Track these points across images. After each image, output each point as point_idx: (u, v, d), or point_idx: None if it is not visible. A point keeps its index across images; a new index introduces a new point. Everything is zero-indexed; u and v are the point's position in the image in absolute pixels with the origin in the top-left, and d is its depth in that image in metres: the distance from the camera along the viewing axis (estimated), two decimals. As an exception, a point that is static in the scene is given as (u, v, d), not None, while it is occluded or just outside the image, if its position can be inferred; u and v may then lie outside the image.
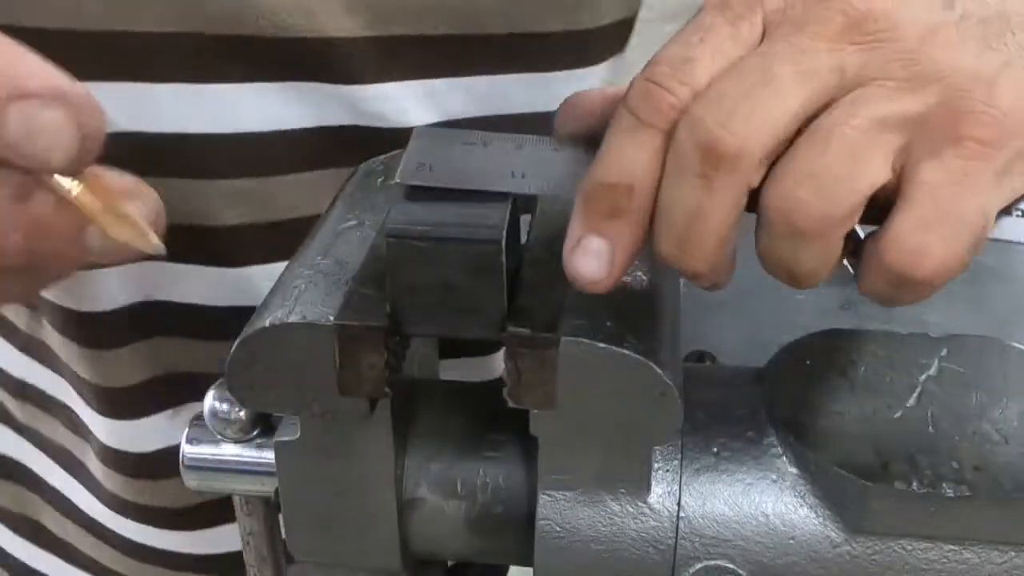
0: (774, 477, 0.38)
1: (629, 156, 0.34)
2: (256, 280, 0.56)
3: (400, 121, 0.54)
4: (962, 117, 0.33)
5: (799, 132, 0.33)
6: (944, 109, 0.33)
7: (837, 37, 0.33)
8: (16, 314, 0.63)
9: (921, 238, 0.33)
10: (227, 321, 0.54)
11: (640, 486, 0.38)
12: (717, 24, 0.34)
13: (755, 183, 0.33)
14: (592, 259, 0.34)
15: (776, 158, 0.33)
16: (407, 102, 0.54)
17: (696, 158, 0.32)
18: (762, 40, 0.34)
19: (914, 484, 0.35)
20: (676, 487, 0.38)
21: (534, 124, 0.47)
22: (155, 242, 0.32)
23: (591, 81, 0.60)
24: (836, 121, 0.33)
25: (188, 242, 0.54)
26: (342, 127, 0.54)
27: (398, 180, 0.36)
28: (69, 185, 0.29)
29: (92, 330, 0.57)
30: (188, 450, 0.44)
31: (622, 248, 0.34)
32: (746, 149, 0.32)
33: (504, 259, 0.34)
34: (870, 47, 0.33)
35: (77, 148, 0.28)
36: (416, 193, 0.36)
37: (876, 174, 0.33)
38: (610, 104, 0.37)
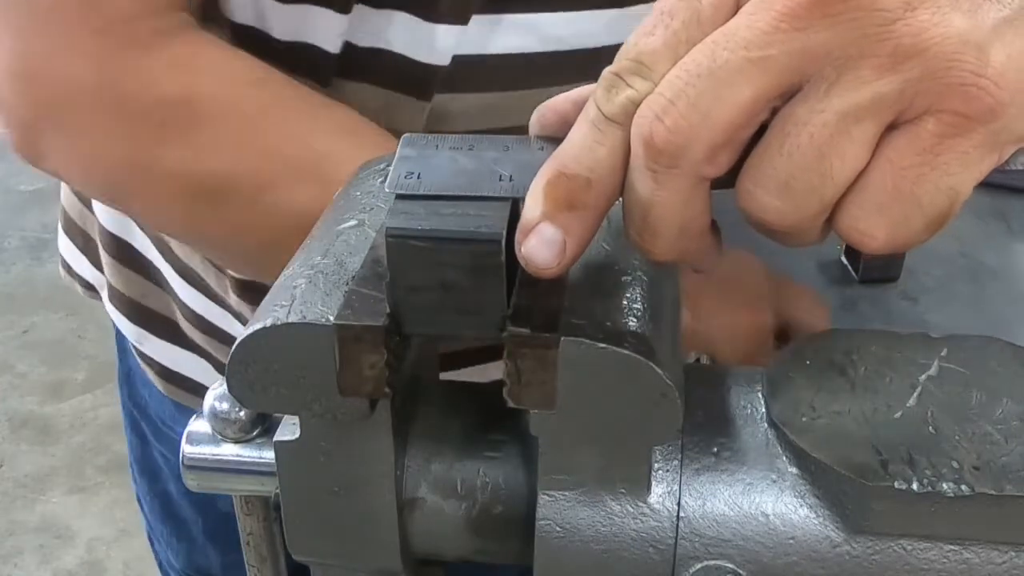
0: (774, 477, 0.38)
1: (589, 149, 0.34)
2: None
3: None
4: (947, 90, 0.31)
5: (773, 114, 0.32)
6: (927, 83, 0.31)
7: (807, 12, 0.31)
8: None
9: (871, 221, 0.33)
10: None
11: (640, 486, 0.38)
12: (678, 8, 0.33)
13: (711, 174, 0.33)
14: (545, 247, 0.34)
15: (748, 146, 0.33)
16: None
17: (641, 152, 0.32)
18: (737, 11, 0.32)
19: (914, 484, 0.35)
20: (676, 487, 0.38)
21: None
22: None
23: None
24: (803, 119, 0.31)
25: None
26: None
27: (387, 190, 0.36)
28: None
29: None
30: (188, 450, 0.44)
31: (574, 239, 0.34)
32: (683, 144, 0.32)
33: (504, 259, 0.34)
34: (844, 20, 0.31)
35: None
36: (409, 201, 0.36)
37: (852, 164, 0.32)
38: (579, 106, 0.36)
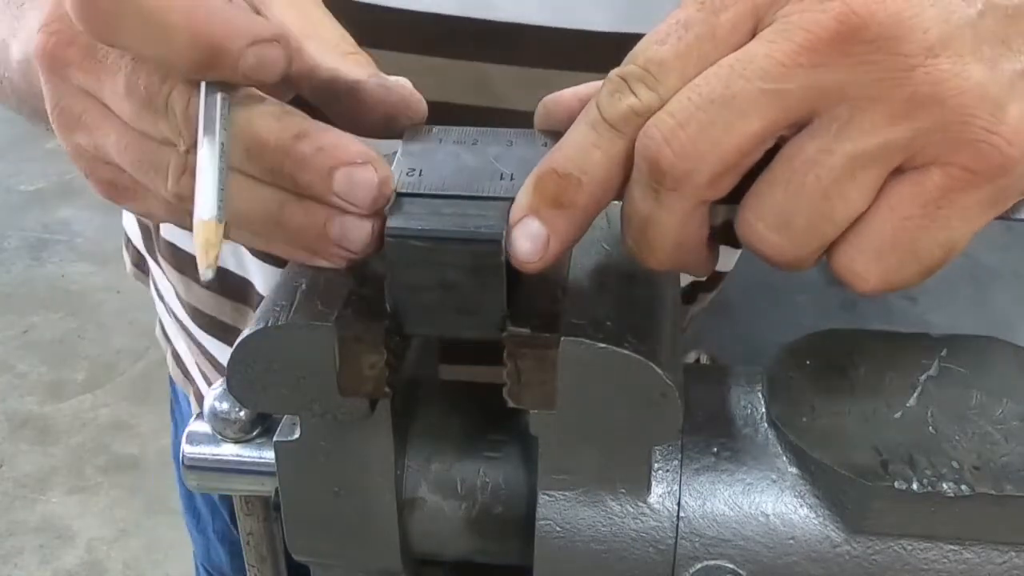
0: (774, 477, 0.38)
1: (585, 151, 0.34)
2: None
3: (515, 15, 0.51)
4: (957, 145, 0.30)
5: (779, 144, 0.32)
6: (939, 135, 0.31)
7: (827, 48, 0.30)
8: None
9: (867, 264, 0.33)
10: None
11: (640, 486, 0.38)
12: (694, 20, 0.32)
13: (712, 197, 0.33)
14: (527, 240, 0.34)
15: (752, 171, 0.33)
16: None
17: (645, 170, 0.32)
18: (754, 33, 0.32)
19: (914, 484, 0.35)
20: (676, 487, 0.38)
21: None
22: (207, 271, 0.35)
23: None
24: (811, 157, 0.31)
25: None
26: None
27: None
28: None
29: None
30: (188, 450, 0.44)
31: (558, 236, 0.34)
32: (689, 169, 0.31)
33: (504, 259, 0.34)
34: (864, 62, 0.30)
35: (285, 69, 0.36)
36: (409, 200, 0.36)
37: (854, 207, 0.32)
38: (585, 102, 0.36)
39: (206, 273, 0.35)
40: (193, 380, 0.78)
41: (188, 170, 0.36)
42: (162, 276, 0.74)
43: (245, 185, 0.36)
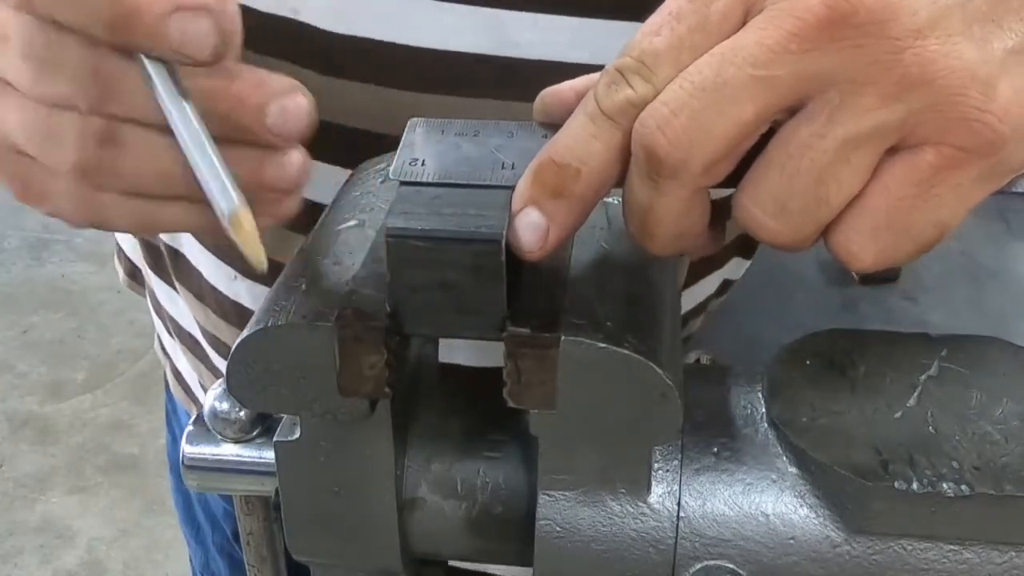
0: (774, 477, 0.38)
1: (583, 141, 0.34)
2: None
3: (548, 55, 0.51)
4: (949, 124, 0.31)
5: (773, 128, 0.32)
6: (930, 115, 0.31)
7: (817, 34, 0.30)
8: None
9: (863, 243, 0.33)
10: None
11: (640, 486, 0.38)
12: (686, 11, 0.32)
13: (709, 184, 0.33)
14: (528, 230, 0.35)
15: (748, 156, 0.33)
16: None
17: (641, 159, 0.33)
18: (745, 22, 0.32)
19: (914, 484, 0.35)
20: (676, 487, 0.38)
21: None
22: (261, 259, 0.36)
23: None
24: (805, 142, 0.31)
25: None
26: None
27: (391, 177, 0.37)
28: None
29: None
30: (188, 450, 0.44)
31: (557, 226, 0.35)
32: (683, 158, 0.32)
33: (504, 259, 0.34)
34: (853, 46, 0.30)
35: (217, 45, 0.35)
36: (412, 188, 0.36)
37: (848, 190, 0.32)
38: (582, 95, 0.36)
39: (262, 264, 0.35)
40: (196, 399, 0.78)
41: (93, 135, 0.35)
42: (172, 296, 0.73)
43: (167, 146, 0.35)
